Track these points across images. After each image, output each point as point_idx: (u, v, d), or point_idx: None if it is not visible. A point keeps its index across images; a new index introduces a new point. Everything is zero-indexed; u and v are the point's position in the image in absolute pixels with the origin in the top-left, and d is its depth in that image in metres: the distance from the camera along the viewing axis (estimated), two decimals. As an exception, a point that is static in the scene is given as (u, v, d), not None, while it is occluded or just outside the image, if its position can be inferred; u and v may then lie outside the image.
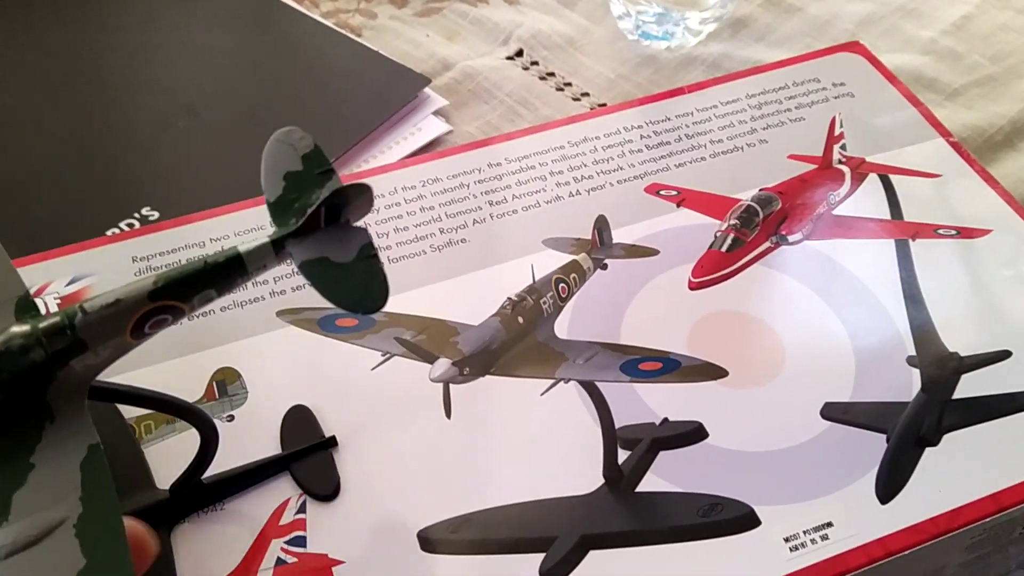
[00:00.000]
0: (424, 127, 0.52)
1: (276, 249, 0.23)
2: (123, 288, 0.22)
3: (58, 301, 0.36)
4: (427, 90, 0.53)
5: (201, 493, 0.30)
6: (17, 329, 0.21)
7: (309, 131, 0.26)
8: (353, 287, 0.24)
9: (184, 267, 0.22)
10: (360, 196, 0.24)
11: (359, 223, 0.25)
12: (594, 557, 0.30)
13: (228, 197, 0.41)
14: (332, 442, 0.32)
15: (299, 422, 0.33)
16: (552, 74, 0.56)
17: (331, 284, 0.24)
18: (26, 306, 0.23)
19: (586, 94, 0.55)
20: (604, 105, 0.54)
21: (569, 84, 0.56)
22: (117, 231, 0.44)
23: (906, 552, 0.30)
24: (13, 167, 0.48)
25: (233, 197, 0.41)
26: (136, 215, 0.45)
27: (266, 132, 0.25)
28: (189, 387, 0.33)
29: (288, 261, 0.24)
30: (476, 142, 0.44)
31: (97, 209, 0.46)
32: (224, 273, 0.23)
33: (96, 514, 0.20)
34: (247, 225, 0.39)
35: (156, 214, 0.45)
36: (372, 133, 0.50)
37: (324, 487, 0.31)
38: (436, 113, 0.53)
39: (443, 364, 0.34)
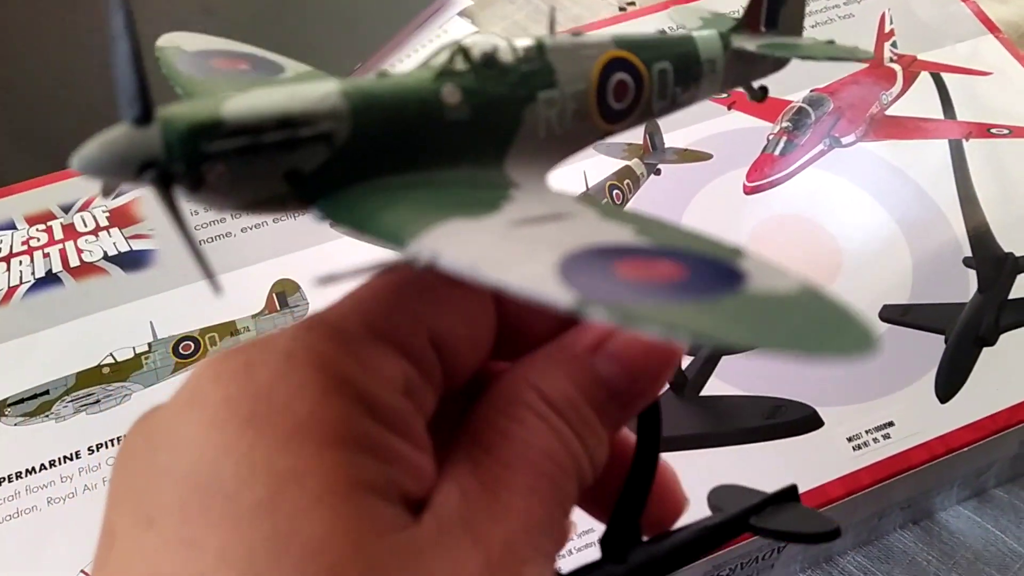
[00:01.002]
0: (450, 29, 0.50)
1: (723, 41, 0.21)
2: None
3: (107, 214, 0.35)
4: (451, -11, 0.51)
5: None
6: (482, 37, 0.18)
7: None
8: (821, 51, 0.23)
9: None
10: None
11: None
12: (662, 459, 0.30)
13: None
14: (794, 495, 0.22)
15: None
16: (578, -29, 0.54)
17: (797, 49, 0.22)
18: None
19: (615, -8, 0.53)
20: (633, 3, 0.52)
21: (597, -19, 0.54)
22: (147, 141, 0.43)
23: (966, 448, 0.31)
24: (32, 81, 0.46)
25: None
26: (164, 124, 0.44)
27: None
28: (250, 300, 0.33)
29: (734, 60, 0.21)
30: (514, 44, 0.42)
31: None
32: (679, 49, 0.20)
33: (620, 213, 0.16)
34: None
35: (185, 122, 0.44)
36: (397, 36, 0.48)
37: (822, 524, 0.21)
38: (461, 14, 0.51)
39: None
